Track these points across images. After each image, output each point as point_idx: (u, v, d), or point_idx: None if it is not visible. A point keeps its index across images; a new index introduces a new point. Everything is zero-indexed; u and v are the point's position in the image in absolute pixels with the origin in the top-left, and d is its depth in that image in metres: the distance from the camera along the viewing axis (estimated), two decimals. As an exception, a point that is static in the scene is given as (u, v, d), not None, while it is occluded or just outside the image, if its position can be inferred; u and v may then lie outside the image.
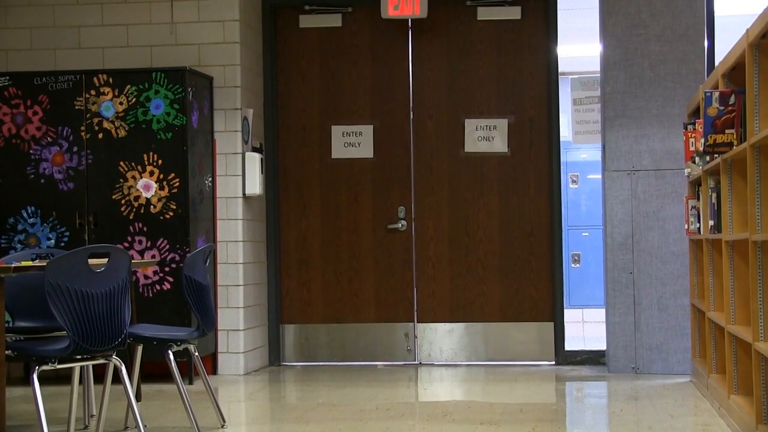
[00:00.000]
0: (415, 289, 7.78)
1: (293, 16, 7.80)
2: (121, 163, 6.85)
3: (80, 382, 5.15)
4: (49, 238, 6.86)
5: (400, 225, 7.77)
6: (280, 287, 7.76)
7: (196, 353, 5.29)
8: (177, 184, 6.81)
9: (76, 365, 4.72)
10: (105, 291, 4.40)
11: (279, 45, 7.81)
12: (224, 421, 5.29)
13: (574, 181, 10.68)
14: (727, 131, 4.96)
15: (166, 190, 6.81)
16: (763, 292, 4.39)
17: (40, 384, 4.29)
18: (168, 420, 5.47)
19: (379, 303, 7.74)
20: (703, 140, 5.14)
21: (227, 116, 7.27)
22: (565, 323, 7.59)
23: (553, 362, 7.47)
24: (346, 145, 7.72)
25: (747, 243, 4.69)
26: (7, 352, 4.29)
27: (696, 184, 6.34)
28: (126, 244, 6.77)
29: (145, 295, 6.79)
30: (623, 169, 7.05)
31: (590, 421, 5.44)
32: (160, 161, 6.82)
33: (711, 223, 5.62)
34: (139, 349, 5.17)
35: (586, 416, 5.50)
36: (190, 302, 5.12)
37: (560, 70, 7.64)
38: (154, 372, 6.24)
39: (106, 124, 6.87)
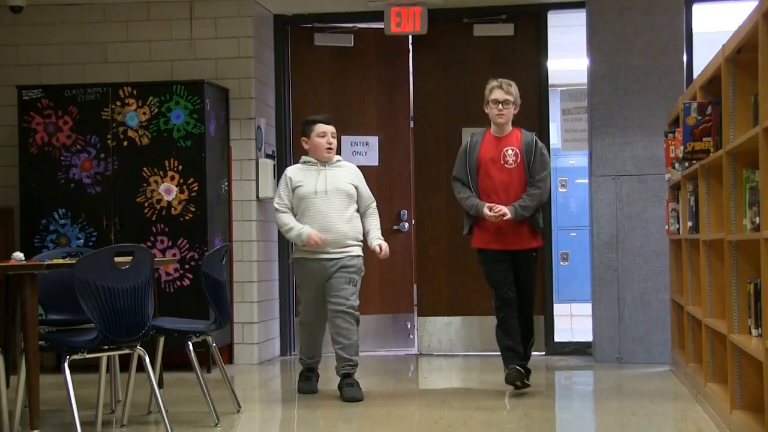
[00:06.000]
0: (415, 285, 7.79)
1: (307, 33, 7.82)
2: (145, 168, 6.87)
3: (107, 370, 5.16)
4: (78, 238, 6.89)
5: (401, 226, 7.79)
6: (291, 283, 7.78)
7: (214, 344, 5.32)
8: (196, 188, 6.83)
9: (104, 355, 4.74)
10: (130, 287, 4.42)
11: (291, 59, 7.83)
12: (240, 407, 5.31)
13: (563, 186, 10.67)
14: (704, 139, 4.98)
15: (186, 193, 6.83)
16: (738, 288, 4.40)
17: (71, 372, 4.31)
18: (188, 405, 5.49)
19: (383, 297, 7.75)
20: (682, 147, 5.15)
21: (242, 125, 7.29)
22: (554, 317, 7.59)
23: (543, 353, 7.47)
24: (354, 153, 7.72)
25: (723, 243, 4.70)
26: (40, 342, 4.31)
27: (676, 188, 6.34)
28: (149, 244, 6.79)
29: (167, 290, 6.81)
30: (608, 174, 7.06)
31: (577, 408, 5.45)
32: (180, 167, 6.84)
33: (689, 224, 5.63)
34: (161, 340, 5.19)
35: (573, 402, 5.51)
36: (208, 297, 5.14)
37: (550, 82, 7.65)
38: (175, 361, 6.25)
39: (130, 133, 6.89)
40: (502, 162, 5.68)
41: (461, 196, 5.74)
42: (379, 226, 5.84)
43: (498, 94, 5.70)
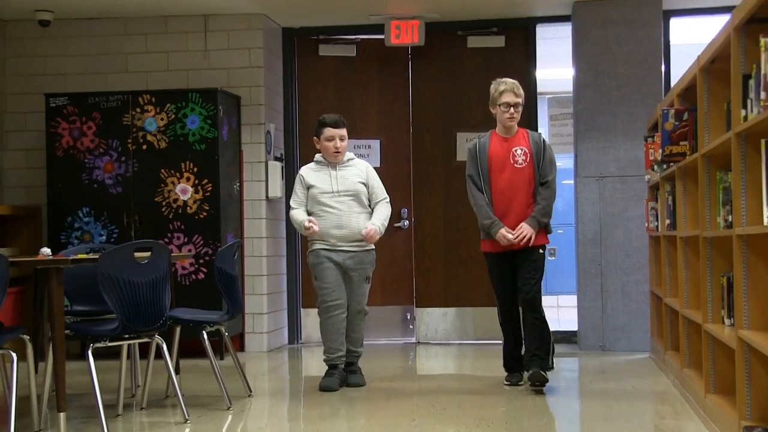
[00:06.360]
0: (414, 278, 7.80)
1: (312, 45, 7.83)
2: (162, 170, 6.88)
3: (128, 357, 5.18)
4: (101, 235, 6.90)
5: (402, 224, 7.79)
6: (298, 276, 7.79)
7: (226, 333, 5.33)
8: (210, 188, 6.84)
9: (125, 343, 4.77)
10: (148, 280, 4.43)
11: (298, 69, 7.83)
12: (251, 391, 5.32)
13: (550, 186, 10.68)
14: (681, 143, 4.99)
15: (201, 193, 6.84)
16: (712, 281, 4.41)
17: (94, 359, 4.33)
18: (203, 390, 5.50)
19: (385, 289, 7.76)
20: (661, 151, 5.16)
21: (252, 130, 7.30)
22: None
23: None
24: (357, 156, 7.69)
25: (698, 239, 4.71)
26: (66, 331, 4.33)
27: (655, 189, 6.35)
28: (166, 240, 6.80)
29: (183, 283, 6.82)
30: (593, 176, 7.07)
31: (564, 391, 5.45)
32: (195, 169, 6.85)
33: (667, 221, 5.64)
34: (178, 329, 5.20)
35: (560, 387, 5.51)
36: (221, 290, 5.15)
37: (539, 90, 7.66)
38: (191, 349, 6.26)
39: (149, 137, 6.90)
40: (512, 162, 5.30)
41: (475, 202, 5.35)
42: (382, 217, 5.52)
43: (509, 98, 5.31)
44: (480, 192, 5.34)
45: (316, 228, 5.41)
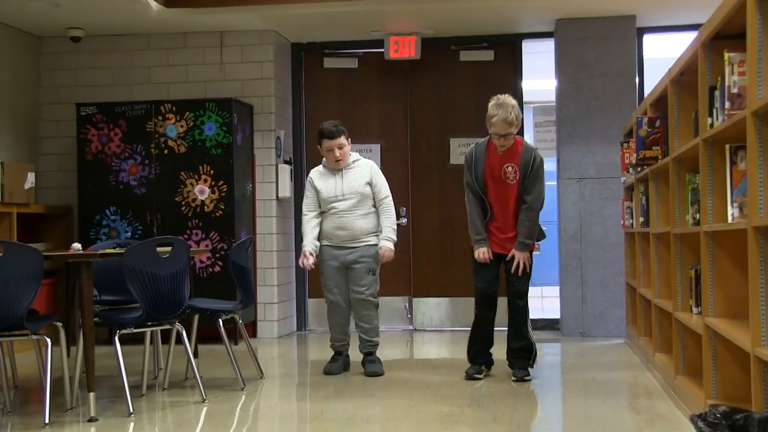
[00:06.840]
0: (411, 271, 7.81)
1: (318, 58, 7.84)
2: (182, 173, 6.89)
3: (151, 342, 5.19)
4: (126, 231, 6.91)
5: (401, 221, 7.80)
6: (305, 269, 7.76)
7: (240, 321, 5.33)
8: (225, 189, 6.85)
9: (148, 330, 4.77)
10: (169, 272, 4.44)
11: (305, 80, 7.84)
12: (262, 374, 5.33)
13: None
14: (654, 148, 5.00)
15: (217, 194, 6.86)
16: (681, 273, 4.42)
17: (121, 344, 4.35)
18: (219, 373, 5.51)
19: (384, 281, 7.73)
20: (635, 155, 5.17)
21: (264, 136, 7.31)
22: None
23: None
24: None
25: (669, 235, 4.72)
26: (95, 319, 4.34)
27: (630, 189, 6.36)
28: (185, 236, 6.81)
29: (201, 275, 6.83)
30: (573, 178, 7.08)
31: (548, 374, 5.47)
32: (212, 171, 6.86)
33: (641, 219, 5.65)
34: (196, 317, 5.21)
35: (544, 369, 5.53)
36: (235, 281, 5.15)
37: (525, 100, 7.65)
38: (208, 336, 6.26)
39: (170, 143, 6.91)
40: (503, 177, 5.00)
41: (469, 213, 5.12)
42: (391, 225, 5.31)
43: (498, 130, 4.89)
44: (475, 201, 5.09)
45: (308, 264, 5.30)
